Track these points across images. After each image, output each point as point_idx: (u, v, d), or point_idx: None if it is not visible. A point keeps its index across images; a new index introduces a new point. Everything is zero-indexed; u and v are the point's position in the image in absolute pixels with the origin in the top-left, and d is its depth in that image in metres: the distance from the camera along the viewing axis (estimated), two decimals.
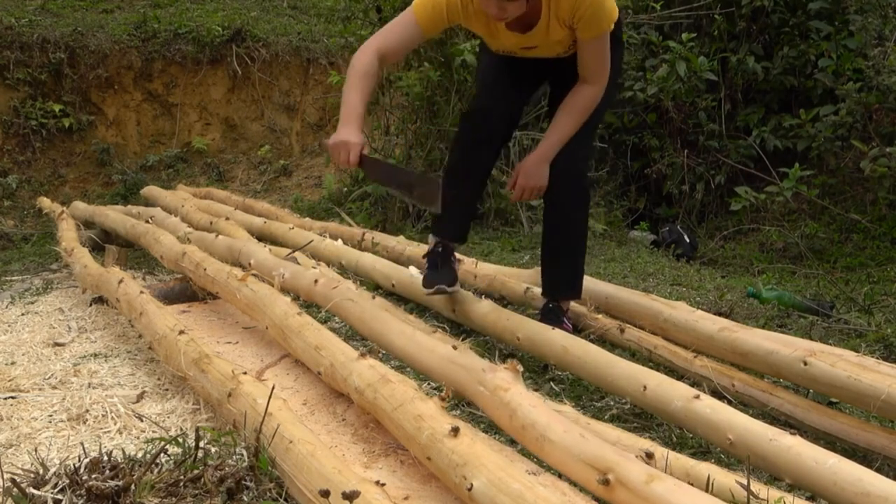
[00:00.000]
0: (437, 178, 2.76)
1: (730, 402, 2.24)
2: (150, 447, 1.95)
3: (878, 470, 1.73)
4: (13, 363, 3.05)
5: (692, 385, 2.33)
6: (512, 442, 2.04)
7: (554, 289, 2.96)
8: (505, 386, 1.84)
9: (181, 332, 2.61)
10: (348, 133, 2.53)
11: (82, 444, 2.04)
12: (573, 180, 2.82)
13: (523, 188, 2.79)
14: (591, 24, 2.58)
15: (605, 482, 1.48)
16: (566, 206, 2.86)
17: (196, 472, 1.69)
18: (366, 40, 2.70)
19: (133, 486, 1.60)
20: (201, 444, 1.77)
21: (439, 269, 3.00)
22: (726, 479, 1.69)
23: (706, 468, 1.74)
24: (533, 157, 2.78)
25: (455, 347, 2.22)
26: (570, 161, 2.78)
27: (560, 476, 1.76)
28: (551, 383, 2.58)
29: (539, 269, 3.63)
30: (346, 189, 6.35)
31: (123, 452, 1.82)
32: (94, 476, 1.62)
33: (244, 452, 1.79)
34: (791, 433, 1.83)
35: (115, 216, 5.22)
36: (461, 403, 2.30)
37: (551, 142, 2.75)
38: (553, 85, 3.00)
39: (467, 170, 2.91)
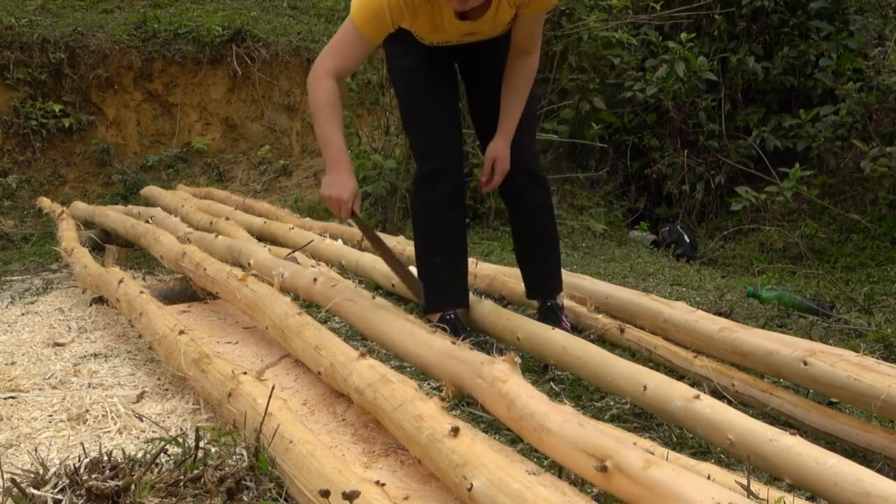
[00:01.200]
0: (418, 283, 2.84)
1: (730, 402, 2.24)
2: (150, 447, 1.95)
3: (878, 470, 1.72)
4: (13, 363, 3.05)
5: (692, 385, 2.33)
6: (512, 442, 2.04)
7: (542, 286, 2.95)
8: (503, 377, 1.85)
9: (181, 332, 2.61)
10: (342, 183, 2.59)
11: (82, 444, 2.04)
12: (530, 169, 2.82)
13: (502, 173, 2.75)
14: (541, 3, 2.65)
15: (603, 469, 1.48)
16: (531, 195, 2.85)
17: (196, 472, 1.69)
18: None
19: (133, 486, 1.60)
20: (201, 444, 1.77)
21: (457, 332, 2.78)
22: (726, 479, 1.69)
23: (706, 468, 1.74)
24: (503, 142, 2.74)
25: (454, 343, 2.23)
26: (521, 149, 2.78)
27: (560, 475, 1.76)
28: (551, 383, 2.58)
29: None
30: None
31: (123, 452, 1.82)
32: (94, 476, 1.62)
33: (244, 452, 1.79)
34: (791, 433, 1.83)
35: (115, 216, 5.22)
36: (461, 403, 2.30)
37: (513, 120, 2.73)
38: (469, 69, 2.92)
39: (443, 236, 2.85)
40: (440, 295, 2.88)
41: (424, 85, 2.80)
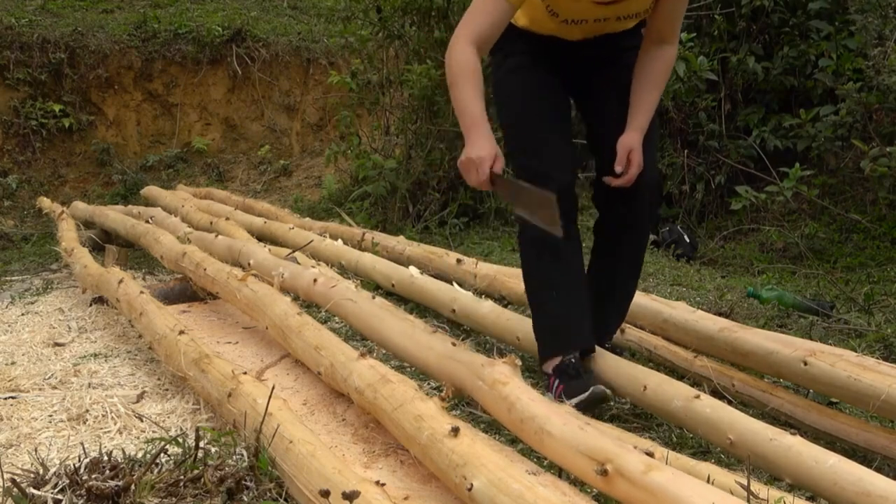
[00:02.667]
0: (552, 198, 2.21)
1: (730, 402, 2.24)
2: (150, 447, 1.95)
3: (878, 470, 1.72)
4: (13, 363, 3.05)
5: (692, 385, 2.33)
6: (512, 442, 2.04)
7: (611, 328, 2.60)
8: (503, 380, 1.85)
9: (181, 332, 2.60)
10: (480, 145, 2.19)
11: (82, 444, 2.04)
12: (649, 182, 2.42)
13: (639, 167, 2.34)
14: None
15: (604, 472, 1.48)
16: (641, 215, 2.44)
17: (196, 472, 1.69)
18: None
19: (133, 486, 1.60)
20: (201, 444, 1.77)
21: (580, 377, 2.33)
22: (726, 479, 1.69)
23: (706, 468, 1.74)
24: (636, 136, 2.34)
25: (454, 344, 2.22)
26: (649, 163, 2.39)
27: (560, 475, 1.76)
28: None
29: None
30: (346, 189, 6.36)
31: (123, 452, 1.82)
32: (94, 476, 1.62)
33: (244, 452, 1.79)
34: (791, 433, 1.83)
35: (115, 216, 5.22)
36: (461, 403, 2.30)
37: (645, 115, 2.36)
38: (588, 79, 2.51)
39: (557, 269, 2.41)
40: (555, 336, 2.42)
41: (535, 99, 2.46)
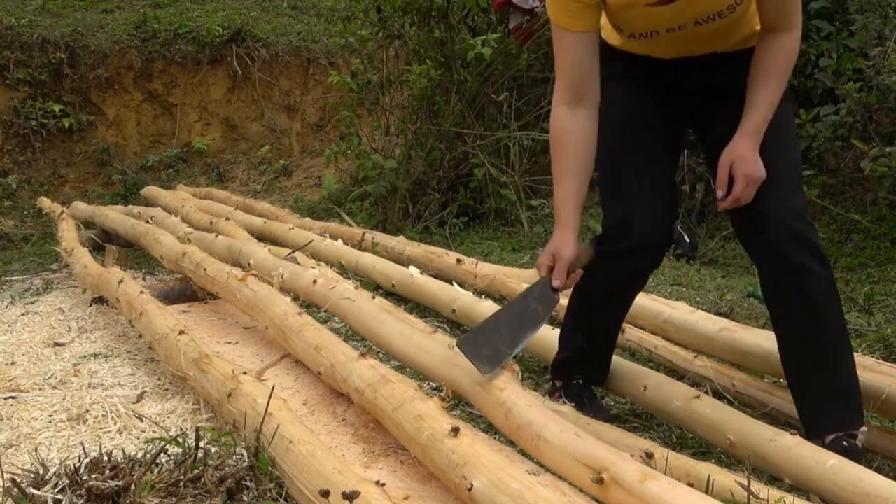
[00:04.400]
0: None
1: (730, 402, 2.24)
2: (150, 447, 1.95)
3: (878, 470, 1.73)
4: (13, 363, 3.05)
5: (692, 385, 2.33)
6: (512, 442, 2.04)
7: (825, 413, 1.96)
8: (501, 385, 1.84)
9: (181, 332, 2.60)
10: (559, 241, 1.97)
11: (82, 444, 2.04)
12: (796, 230, 1.91)
13: (748, 179, 1.89)
14: None
15: (600, 481, 1.47)
16: (802, 274, 1.91)
17: (196, 472, 1.69)
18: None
19: (133, 486, 1.60)
20: (201, 444, 1.77)
21: (588, 405, 2.24)
22: (726, 479, 1.69)
23: (706, 468, 1.74)
24: (744, 142, 1.91)
25: (452, 347, 2.22)
26: (779, 195, 1.93)
27: (560, 476, 1.76)
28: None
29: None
30: (346, 189, 6.36)
31: (123, 452, 1.82)
32: (94, 476, 1.62)
33: (244, 452, 1.79)
34: (791, 433, 1.83)
35: (115, 216, 5.22)
36: (461, 403, 2.30)
37: (760, 114, 1.91)
38: (695, 109, 2.13)
39: (602, 320, 2.26)
40: (570, 368, 2.33)
41: (628, 133, 2.09)
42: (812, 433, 1.92)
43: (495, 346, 1.93)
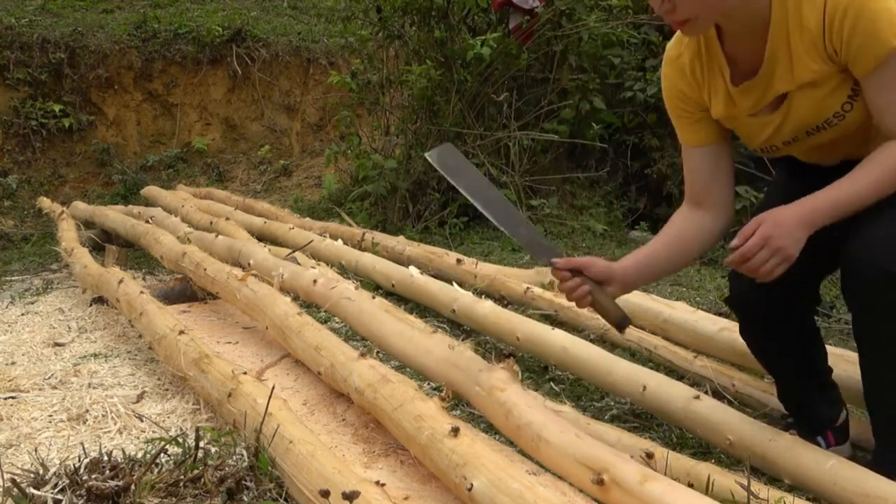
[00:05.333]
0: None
1: (730, 403, 2.24)
2: (150, 447, 1.95)
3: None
4: (13, 363, 3.05)
5: (692, 385, 2.33)
6: (512, 442, 2.04)
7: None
8: (501, 386, 1.84)
9: (181, 332, 2.60)
10: (598, 260, 1.89)
11: (82, 444, 2.04)
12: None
13: (764, 240, 1.62)
14: (868, 41, 1.59)
15: (600, 482, 1.47)
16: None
17: (196, 472, 1.69)
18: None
19: (133, 486, 1.60)
20: (201, 444, 1.77)
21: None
22: (726, 479, 1.69)
23: (706, 468, 1.74)
24: (791, 209, 1.65)
25: (452, 347, 2.22)
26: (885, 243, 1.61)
27: (560, 476, 1.76)
28: (551, 383, 2.58)
29: (539, 269, 3.64)
30: (346, 189, 6.36)
31: (123, 452, 1.82)
32: (94, 476, 1.62)
33: (244, 452, 1.79)
34: (791, 433, 1.83)
35: (115, 216, 5.22)
36: (461, 403, 2.30)
37: (828, 198, 1.64)
38: None
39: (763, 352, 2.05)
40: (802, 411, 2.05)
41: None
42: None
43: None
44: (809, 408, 2.00)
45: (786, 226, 1.63)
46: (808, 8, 1.63)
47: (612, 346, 2.75)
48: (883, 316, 1.63)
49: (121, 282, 3.35)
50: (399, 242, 4.34)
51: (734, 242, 1.67)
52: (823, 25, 1.62)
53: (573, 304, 1.88)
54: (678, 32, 1.84)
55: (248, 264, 3.54)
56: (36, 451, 2.09)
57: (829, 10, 1.60)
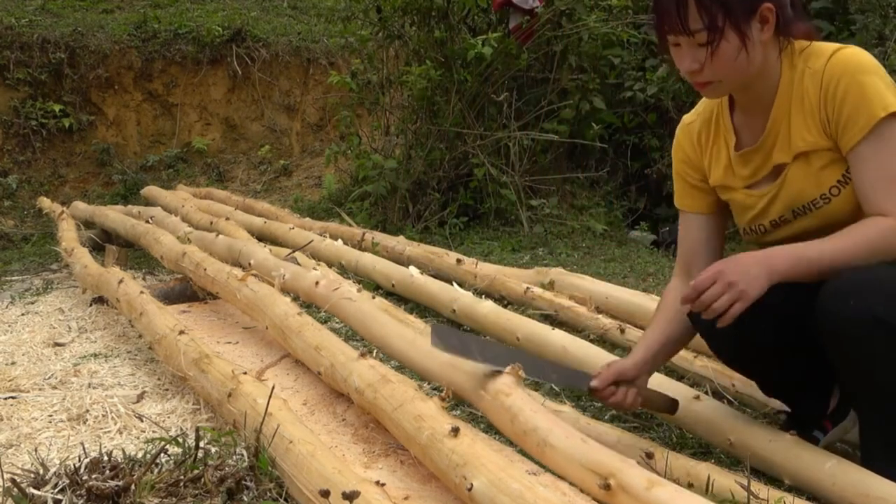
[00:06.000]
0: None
1: (730, 403, 2.24)
2: (150, 447, 1.95)
3: None
4: (13, 363, 3.05)
5: (692, 385, 2.33)
6: (512, 442, 2.04)
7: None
8: (506, 391, 1.84)
9: (181, 332, 2.60)
10: (622, 363, 1.94)
11: (82, 444, 2.04)
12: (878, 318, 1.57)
13: (716, 275, 1.63)
14: (856, 111, 1.66)
15: (607, 487, 1.48)
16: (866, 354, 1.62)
17: (196, 472, 1.68)
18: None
19: (133, 486, 1.60)
20: (201, 444, 1.77)
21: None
22: (726, 479, 1.69)
23: (706, 468, 1.74)
24: (750, 253, 1.70)
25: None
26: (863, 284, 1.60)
27: (560, 476, 1.76)
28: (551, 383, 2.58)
29: (539, 269, 3.65)
30: (346, 189, 6.36)
31: (123, 452, 1.82)
32: (94, 476, 1.62)
33: (244, 452, 1.79)
34: (791, 433, 1.83)
35: (115, 216, 5.22)
36: (461, 403, 2.30)
37: (792, 248, 1.68)
38: None
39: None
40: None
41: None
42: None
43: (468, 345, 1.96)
44: (796, 408, 2.02)
45: (741, 262, 1.64)
46: (809, 78, 1.73)
47: (612, 347, 2.75)
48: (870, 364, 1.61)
49: (121, 282, 3.35)
50: (399, 242, 4.34)
51: (689, 283, 1.69)
52: (820, 93, 1.71)
53: (626, 409, 1.96)
54: (697, 105, 1.97)
55: (249, 264, 3.54)
56: (36, 451, 2.09)
57: (826, 79, 1.70)
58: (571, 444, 1.61)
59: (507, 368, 1.89)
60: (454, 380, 2.07)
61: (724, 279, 1.62)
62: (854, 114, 1.67)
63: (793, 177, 1.77)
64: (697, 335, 1.95)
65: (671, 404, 2.03)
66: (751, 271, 1.62)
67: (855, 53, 1.71)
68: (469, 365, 2.00)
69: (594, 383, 1.90)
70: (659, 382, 2.21)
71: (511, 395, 1.82)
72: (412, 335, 2.43)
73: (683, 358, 2.56)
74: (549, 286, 3.33)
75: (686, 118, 2.01)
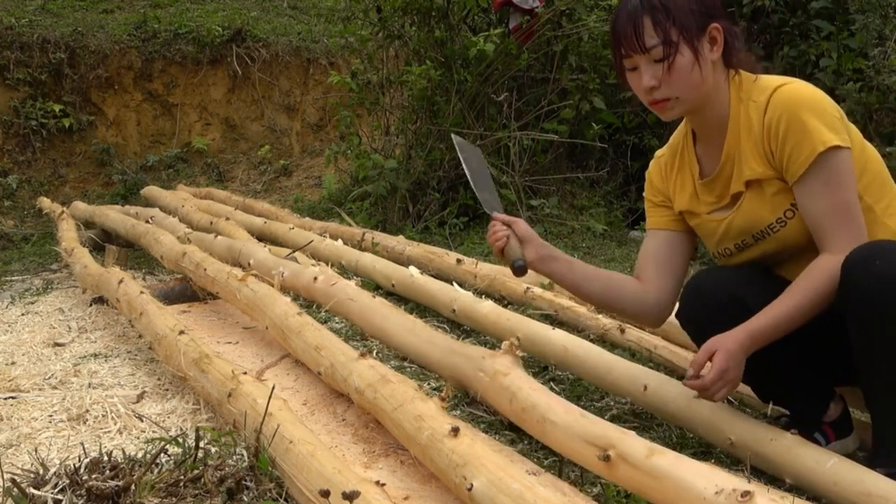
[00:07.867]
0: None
1: (730, 402, 2.24)
2: (150, 447, 1.95)
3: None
4: (13, 363, 3.05)
5: None
6: (512, 442, 2.04)
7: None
8: (504, 371, 1.85)
9: (181, 332, 2.60)
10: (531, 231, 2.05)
11: (82, 444, 2.04)
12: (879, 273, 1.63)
13: (721, 374, 1.74)
14: (797, 147, 1.73)
15: (606, 458, 1.49)
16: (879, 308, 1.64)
17: (196, 472, 1.68)
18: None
19: (133, 487, 1.60)
20: (201, 444, 1.77)
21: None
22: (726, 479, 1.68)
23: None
24: (736, 337, 1.75)
25: (455, 338, 2.23)
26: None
27: (560, 475, 1.76)
28: (551, 383, 2.58)
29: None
30: (345, 189, 6.36)
31: (123, 452, 1.82)
32: (94, 476, 1.62)
33: (244, 452, 1.79)
34: (791, 433, 1.83)
35: (115, 216, 5.22)
36: (461, 403, 2.30)
37: (764, 320, 1.74)
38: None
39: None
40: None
41: None
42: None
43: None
44: (792, 409, 2.03)
45: (735, 356, 1.75)
46: (754, 111, 1.81)
47: (612, 346, 2.75)
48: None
49: (121, 282, 3.35)
50: (399, 242, 4.34)
51: (690, 373, 1.81)
52: (763, 128, 1.79)
53: (492, 244, 2.02)
54: (670, 139, 2.09)
55: (248, 264, 3.54)
56: (36, 451, 2.09)
57: (769, 115, 1.78)
58: (571, 419, 1.63)
59: (504, 346, 1.93)
60: (454, 364, 2.08)
61: (728, 378, 1.76)
62: (796, 149, 1.75)
63: (748, 203, 1.87)
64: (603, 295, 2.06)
65: (516, 260, 2.00)
66: (743, 363, 1.77)
67: (796, 89, 1.77)
68: (468, 345, 2.00)
69: (497, 213, 2.03)
70: (659, 382, 2.22)
71: (509, 374, 1.84)
72: (412, 324, 2.43)
73: (683, 358, 2.56)
74: (549, 286, 3.33)
75: (658, 152, 2.15)
